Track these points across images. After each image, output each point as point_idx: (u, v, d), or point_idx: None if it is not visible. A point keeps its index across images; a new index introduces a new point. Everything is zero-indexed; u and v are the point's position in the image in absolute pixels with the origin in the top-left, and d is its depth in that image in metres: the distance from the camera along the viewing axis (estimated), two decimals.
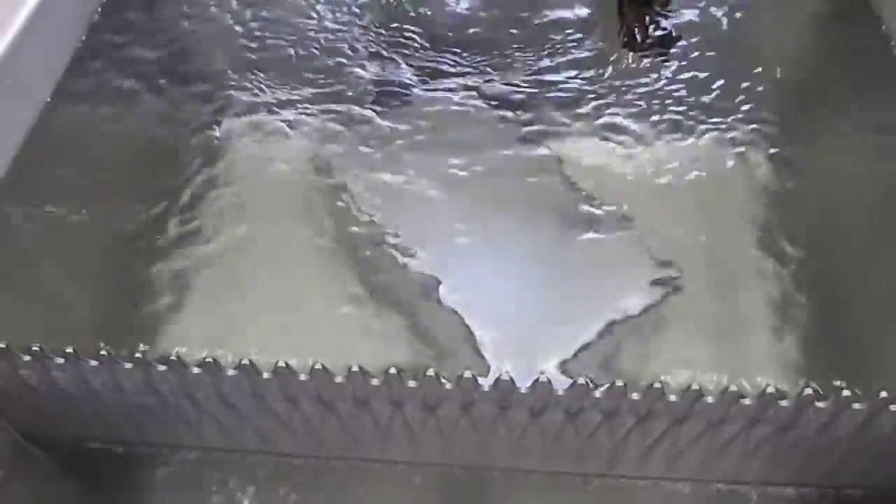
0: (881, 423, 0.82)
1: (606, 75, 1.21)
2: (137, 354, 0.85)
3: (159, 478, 1.04)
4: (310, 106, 1.17)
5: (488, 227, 1.01)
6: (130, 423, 0.99)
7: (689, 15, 1.31)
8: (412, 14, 1.32)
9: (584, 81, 1.20)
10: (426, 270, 0.95)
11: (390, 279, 0.94)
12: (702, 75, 1.20)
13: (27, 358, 0.86)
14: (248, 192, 1.05)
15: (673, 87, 1.18)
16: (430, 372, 0.83)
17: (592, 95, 1.18)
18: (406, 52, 1.26)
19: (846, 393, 0.80)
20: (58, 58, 1.21)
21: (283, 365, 0.83)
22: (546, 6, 1.31)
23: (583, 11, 1.32)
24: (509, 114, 1.16)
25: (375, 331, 0.89)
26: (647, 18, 1.31)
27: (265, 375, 0.85)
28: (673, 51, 1.25)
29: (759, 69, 1.21)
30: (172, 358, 0.85)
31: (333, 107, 1.17)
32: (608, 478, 1.03)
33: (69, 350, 0.85)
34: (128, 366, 0.86)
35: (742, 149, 1.09)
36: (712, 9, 1.32)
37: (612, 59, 1.24)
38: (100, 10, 1.31)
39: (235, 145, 1.11)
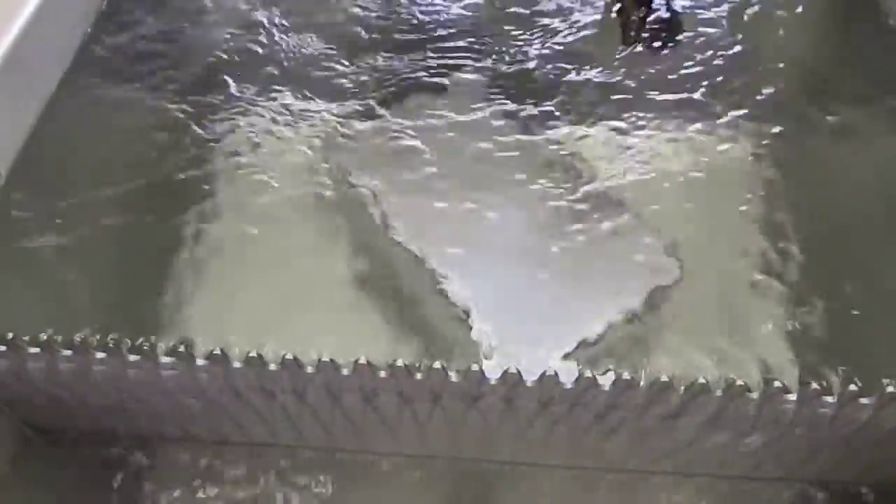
0: (887, 418, 0.82)
1: (608, 68, 1.20)
2: (144, 346, 0.86)
3: (166, 469, 1.04)
4: (317, 100, 1.17)
5: (493, 220, 1.01)
6: (137, 414, 0.99)
7: (692, 6, 1.31)
8: (413, 13, 1.32)
9: (585, 73, 1.19)
10: (431, 265, 0.95)
11: (395, 274, 0.94)
12: (705, 69, 1.20)
13: (34, 349, 0.87)
14: (254, 186, 1.05)
15: (675, 78, 1.18)
16: (437, 365, 0.83)
17: (594, 87, 1.17)
18: (409, 50, 1.26)
19: (852, 387, 0.80)
20: (64, 50, 1.21)
21: (291, 357, 0.84)
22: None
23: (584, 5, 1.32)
24: (513, 107, 1.15)
25: (381, 325, 0.89)
26: (647, 9, 1.30)
27: (272, 367, 0.85)
28: (674, 42, 1.25)
29: (764, 63, 1.20)
30: (180, 350, 0.85)
31: (341, 103, 1.17)
32: (611, 472, 1.03)
33: (76, 340, 0.86)
34: (134, 357, 0.86)
35: (746, 142, 1.08)
36: (716, 1, 1.31)
37: (612, 50, 1.24)
38: (106, 1, 1.31)
39: (242, 140, 1.11)
